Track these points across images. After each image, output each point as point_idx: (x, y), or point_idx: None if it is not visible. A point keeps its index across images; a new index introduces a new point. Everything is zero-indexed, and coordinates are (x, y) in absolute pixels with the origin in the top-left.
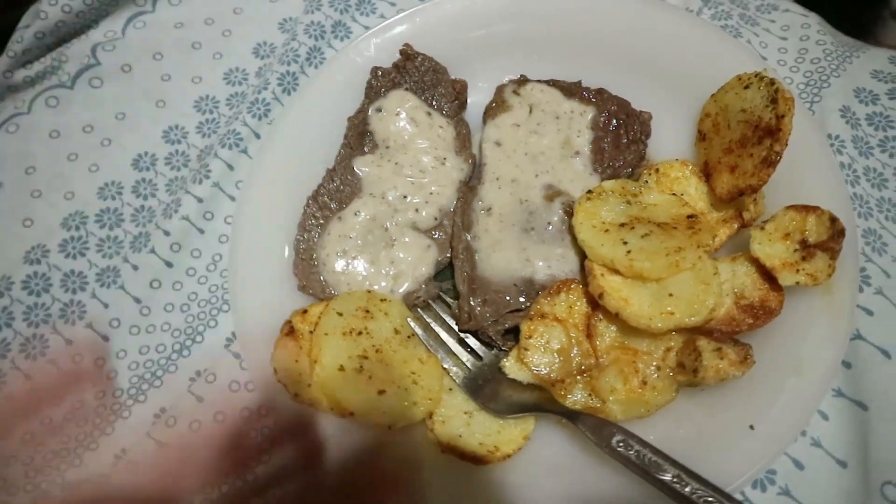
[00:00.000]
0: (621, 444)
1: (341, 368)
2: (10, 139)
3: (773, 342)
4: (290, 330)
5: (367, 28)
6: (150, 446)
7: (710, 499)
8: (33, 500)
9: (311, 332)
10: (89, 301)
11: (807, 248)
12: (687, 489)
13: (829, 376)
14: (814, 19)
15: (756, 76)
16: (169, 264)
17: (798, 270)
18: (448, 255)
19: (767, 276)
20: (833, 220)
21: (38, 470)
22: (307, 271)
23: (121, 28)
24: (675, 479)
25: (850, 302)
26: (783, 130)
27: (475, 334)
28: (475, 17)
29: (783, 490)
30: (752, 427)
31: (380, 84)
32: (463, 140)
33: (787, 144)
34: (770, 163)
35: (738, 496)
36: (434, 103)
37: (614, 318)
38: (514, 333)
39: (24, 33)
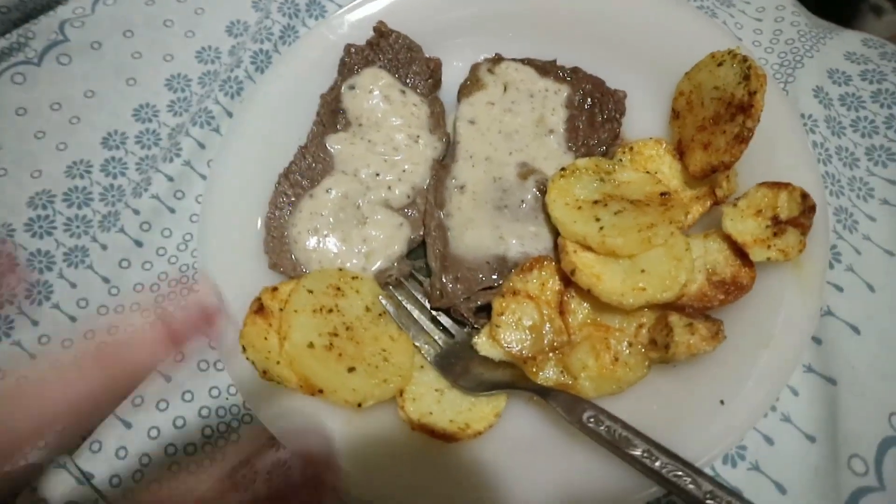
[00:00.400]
0: (592, 420)
1: (311, 345)
2: None
3: (745, 318)
4: (259, 307)
5: (341, 6)
6: (117, 426)
7: (680, 473)
8: None
9: (281, 310)
10: (56, 281)
11: (778, 225)
12: (657, 464)
13: (800, 351)
14: (788, 1)
15: (729, 53)
16: (139, 243)
17: (769, 246)
18: (421, 233)
19: (739, 252)
20: (804, 196)
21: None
22: (278, 249)
23: (90, 4)
24: (645, 454)
25: (820, 278)
26: (755, 107)
27: (447, 312)
28: None
29: (753, 465)
30: (722, 402)
31: (353, 61)
32: (437, 118)
33: (759, 120)
34: (742, 139)
35: (709, 471)
36: (408, 81)
37: (587, 294)
38: (486, 311)
39: None
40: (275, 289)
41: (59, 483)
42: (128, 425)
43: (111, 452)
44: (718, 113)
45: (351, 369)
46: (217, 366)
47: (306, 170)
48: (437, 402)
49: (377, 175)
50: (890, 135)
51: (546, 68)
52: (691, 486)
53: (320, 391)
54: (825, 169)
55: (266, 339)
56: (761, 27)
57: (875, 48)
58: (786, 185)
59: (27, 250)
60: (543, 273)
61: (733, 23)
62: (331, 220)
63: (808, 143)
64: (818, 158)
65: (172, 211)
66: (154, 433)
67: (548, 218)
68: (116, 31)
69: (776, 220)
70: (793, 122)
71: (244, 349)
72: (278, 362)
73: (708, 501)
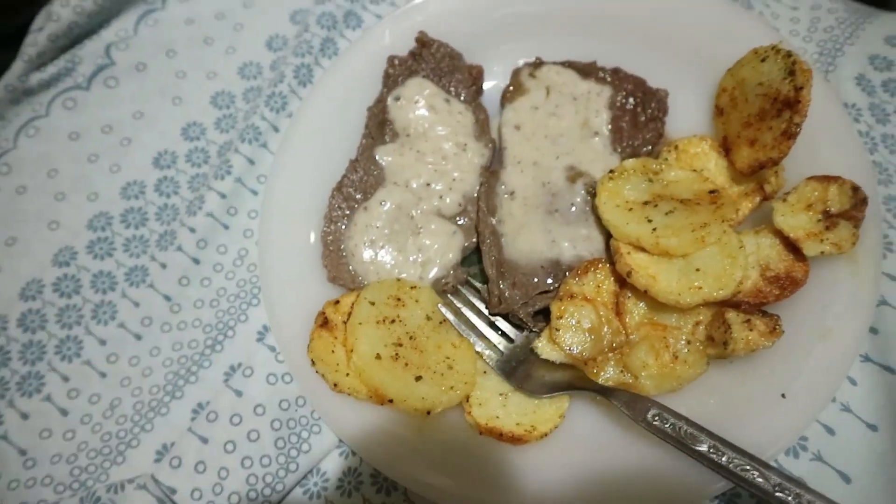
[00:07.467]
0: (657, 418)
1: (378, 357)
2: (30, 143)
3: (801, 311)
4: (324, 321)
5: (378, 17)
6: (194, 442)
7: (748, 467)
8: (80, 499)
9: (344, 322)
10: (120, 301)
11: (830, 218)
12: (724, 458)
13: (857, 343)
14: None
15: (772, 49)
16: (196, 261)
17: (822, 240)
18: (474, 240)
19: (792, 247)
20: (855, 189)
21: (83, 469)
22: (336, 262)
23: (132, 26)
24: (711, 450)
25: (874, 269)
26: (802, 102)
27: (505, 317)
28: (487, 1)
29: (816, 456)
30: (783, 396)
31: (397, 72)
32: (482, 125)
33: (806, 116)
34: (790, 135)
35: (773, 464)
36: (451, 90)
37: (643, 295)
38: (543, 314)
39: (38, 36)
40: (337, 302)
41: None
42: (204, 440)
43: (190, 468)
44: (764, 109)
45: (418, 378)
46: (285, 379)
47: (358, 183)
48: (502, 405)
49: (428, 185)
50: None
51: (587, 70)
52: (759, 480)
53: (390, 401)
54: (872, 158)
55: (333, 351)
56: (798, 16)
57: None
58: (835, 179)
59: (90, 272)
60: (598, 275)
61: (769, 13)
62: (386, 231)
63: (855, 133)
64: (864, 147)
65: (226, 227)
66: (230, 447)
67: (598, 220)
68: (159, 52)
69: (827, 214)
70: (838, 113)
71: (313, 363)
72: (347, 374)
73: (777, 494)
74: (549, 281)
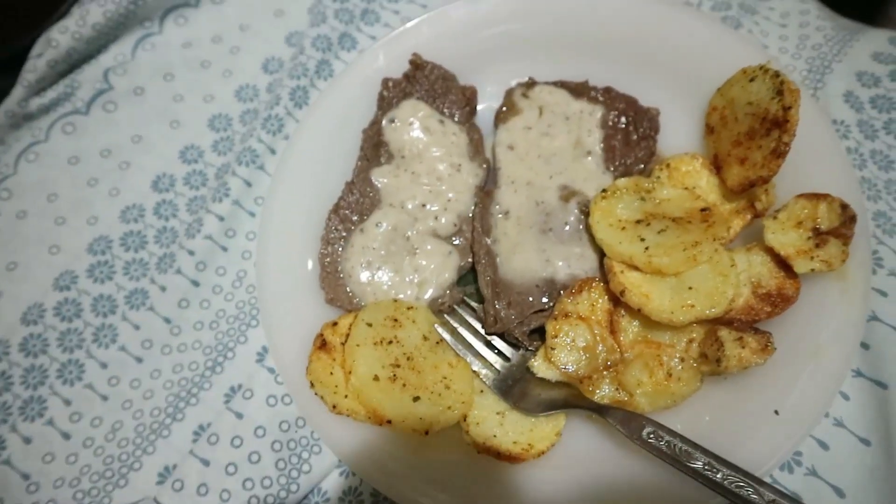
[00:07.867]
0: (652, 436)
1: (376, 378)
2: (30, 168)
3: (792, 328)
4: (322, 343)
5: (372, 38)
6: (195, 464)
7: (742, 483)
8: None
9: (342, 344)
10: (120, 324)
11: (819, 236)
12: (718, 475)
13: (849, 358)
14: (812, 4)
15: (761, 69)
16: (195, 283)
17: (812, 258)
18: (469, 260)
19: (783, 264)
20: (844, 206)
21: (86, 492)
22: (333, 284)
23: (130, 51)
24: (706, 467)
25: (864, 285)
26: (790, 122)
27: (501, 336)
28: (480, 22)
29: (810, 471)
30: (776, 412)
31: (391, 95)
32: (476, 146)
33: (794, 135)
34: (779, 154)
35: (767, 479)
36: (445, 111)
37: (636, 313)
38: (539, 333)
39: (37, 62)
40: (335, 323)
41: None
42: (206, 463)
43: (193, 490)
44: (753, 128)
45: (416, 398)
46: (284, 400)
47: (355, 205)
48: (499, 424)
49: (423, 206)
50: None
51: (579, 90)
52: (754, 497)
53: (388, 421)
54: (861, 174)
55: (332, 373)
56: (787, 33)
57: None
58: (824, 196)
59: (90, 296)
60: (593, 294)
61: (759, 30)
62: (382, 252)
63: (842, 150)
64: (853, 164)
65: (225, 249)
66: (231, 469)
67: (592, 238)
68: (157, 76)
69: (817, 231)
70: (826, 130)
71: (312, 385)
72: (346, 396)
73: None
74: (544, 300)
